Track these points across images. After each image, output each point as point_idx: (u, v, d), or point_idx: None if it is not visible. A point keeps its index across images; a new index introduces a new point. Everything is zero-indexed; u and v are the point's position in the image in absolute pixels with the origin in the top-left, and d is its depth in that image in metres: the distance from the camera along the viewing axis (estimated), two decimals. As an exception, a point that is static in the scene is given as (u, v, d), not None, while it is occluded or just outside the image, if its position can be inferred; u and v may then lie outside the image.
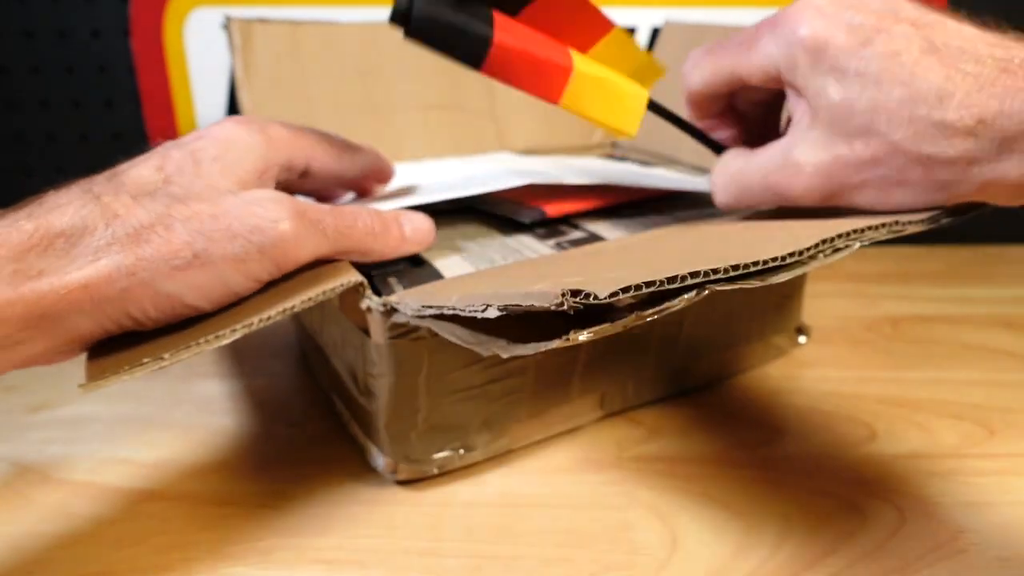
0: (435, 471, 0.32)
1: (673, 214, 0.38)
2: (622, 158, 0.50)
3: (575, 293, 0.20)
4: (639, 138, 0.50)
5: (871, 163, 0.25)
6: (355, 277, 0.28)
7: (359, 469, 0.33)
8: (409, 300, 0.27)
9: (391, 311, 0.28)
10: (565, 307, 0.20)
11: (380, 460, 0.32)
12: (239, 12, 0.55)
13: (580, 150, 0.53)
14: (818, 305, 0.49)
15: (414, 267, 0.31)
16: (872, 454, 0.34)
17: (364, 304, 0.28)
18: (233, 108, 0.59)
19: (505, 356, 0.23)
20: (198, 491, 0.32)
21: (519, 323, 0.23)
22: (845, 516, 0.30)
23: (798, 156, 0.27)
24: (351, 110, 0.47)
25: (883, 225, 0.25)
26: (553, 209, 0.36)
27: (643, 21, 0.57)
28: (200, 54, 0.58)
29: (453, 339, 0.24)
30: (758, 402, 0.39)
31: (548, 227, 0.36)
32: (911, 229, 0.25)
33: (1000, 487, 0.32)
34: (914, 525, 0.30)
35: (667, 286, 0.21)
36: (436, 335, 0.29)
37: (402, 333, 0.28)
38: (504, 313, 0.22)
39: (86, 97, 0.59)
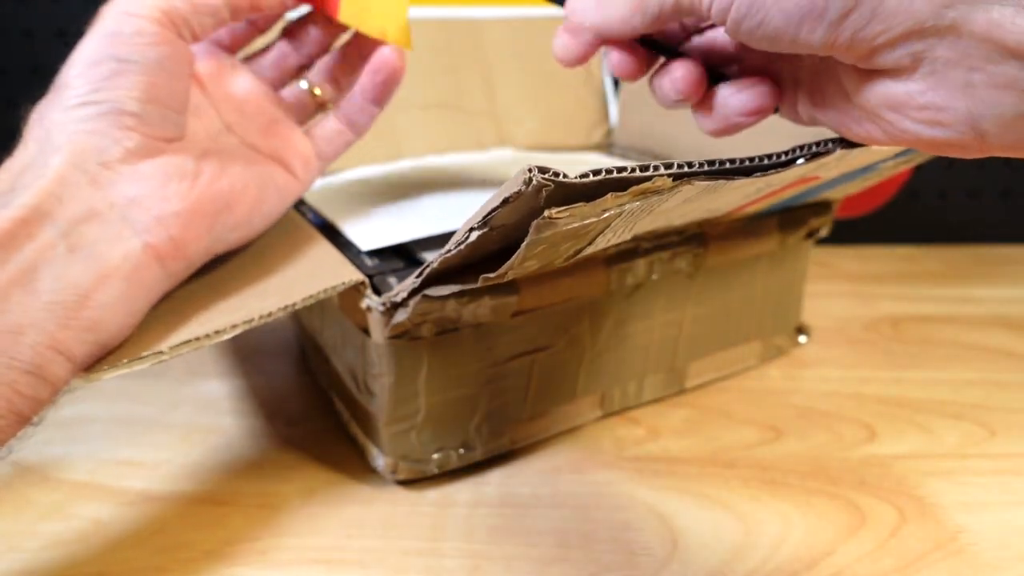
0: (435, 471, 0.32)
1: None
2: (622, 157, 0.50)
3: (543, 170, 0.20)
4: (638, 136, 0.51)
5: None
6: (356, 276, 0.28)
7: (359, 469, 0.33)
8: (404, 284, 0.27)
9: (391, 311, 0.28)
10: (535, 183, 0.20)
11: (380, 460, 0.32)
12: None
13: (580, 150, 0.53)
14: (818, 305, 0.49)
15: (414, 267, 0.31)
16: (872, 454, 0.34)
17: (364, 304, 0.28)
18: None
19: (494, 275, 0.23)
20: (198, 491, 0.32)
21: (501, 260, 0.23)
22: (845, 516, 0.30)
23: None
24: (351, 110, 0.47)
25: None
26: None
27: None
28: (200, 54, 0.58)
29: (446, 292, 0.25)
30: (758, 402, 0.39)
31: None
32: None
33: (1000, 487, 0.32)
34: (914, 525, 0.30)
35: (640, 174, 0.21)
36: (436, 335, 0.29)
37: (402, 333, 0.28)
38: (486, 229, 0.22)
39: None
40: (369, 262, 0.32)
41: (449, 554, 0.29)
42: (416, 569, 0.28)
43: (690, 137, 0.45)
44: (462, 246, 0.24)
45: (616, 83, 0.53)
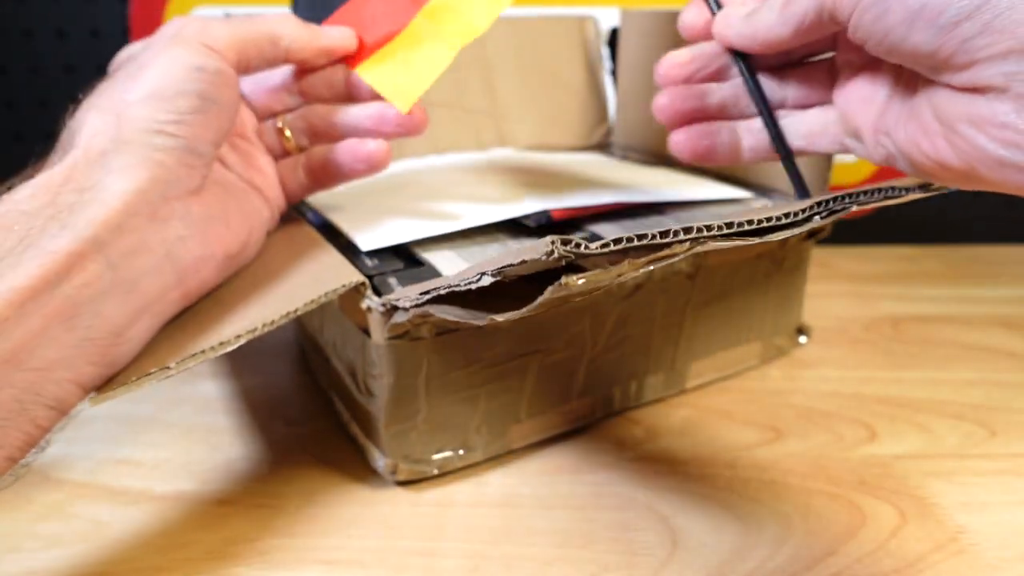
0: (435, 471, 0.32)
1: (674, 215, 0.38)
2: (622, 158, 0.50)
3: (565, 243, 0.20)
4: (638, 136, 0.51)
5: None
6: (356, 278, 0.28)
7: (359, 469, 0.33)
8: (408, 292, 0.27)
9: (391, 311, 0.28)
10: (556, 255, 0.20)
11: (380, 460, 0.32)
12: (240, 12, 0.55)
13: (579, 149, 0.53)
14: (818, 305, 0.49)
15: (414, 267, 0.31)
16: (872, 454, 0.34)
17: (364, 304, 0.28)
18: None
19: (500, 320, 0.22)
20: (198, 491, 0.32)
21: (512, 299, 0.23)
22: (845, 516, 0.30)
23: None
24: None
25: (879, 190, 0.25)
26: (558, 212, 0.36)
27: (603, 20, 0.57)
28: (200, 54, 0.58)
29: (451, 317, 0.24)
30: (758, 402, 0.39)
31: (549, 228, 0.36)
32: (908, 197, 0.25)
33: (1000, 487, 0.32)
34: (914, 525, 0.30)
35: (659, 240, 0.21)
36: (436, 335, 0.29)
37: (402, 333, 0.28)
38: (498, 279, 0.22)
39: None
40: (369, 262, 0.32)
41: (449, 554, 0.29)
42: (416, 569, 0.28)
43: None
44: (471, 286, 0.23)
45: (615, 77, 0.53)
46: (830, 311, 0.49)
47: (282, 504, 0.31)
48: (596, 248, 0.20)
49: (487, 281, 0.23)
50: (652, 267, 0.21)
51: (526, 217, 0.35)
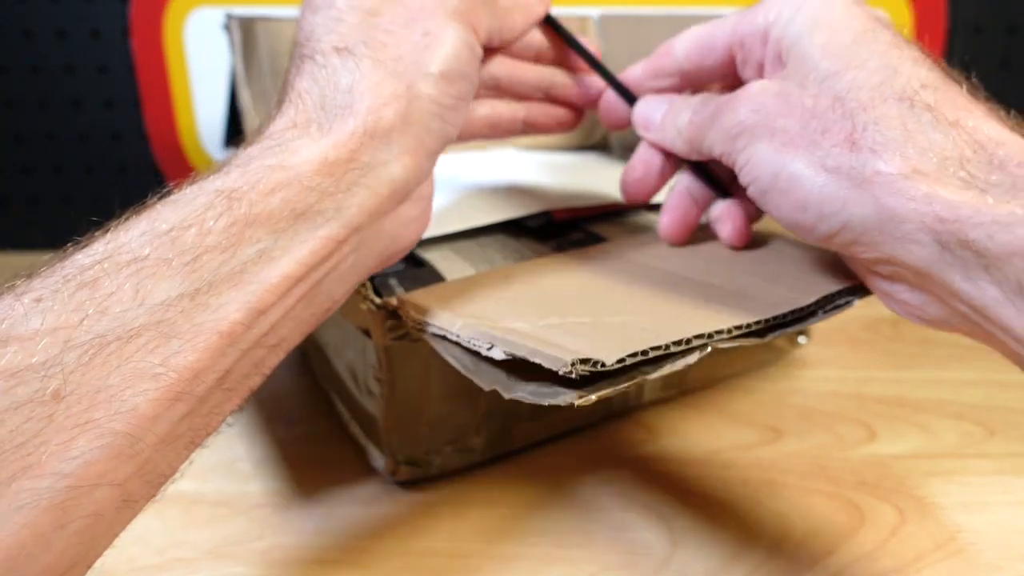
0: (435, 472, 0.32)
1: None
2: (622, 158, 0.50)
3: (584, 360, 0.21)
4: (633, 135, 0.50)
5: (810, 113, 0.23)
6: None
7: (359, 469, 0.33)
8: (412, 311, 0.27)
9: (391, 312, 0.28)
10: (574, 375, 0.21)
11: (380, 460, 0.32)
12: (240, 11, 0.55)
13: (580, 149, 0.53)
14: (818, 305, 0.49)
15: (414, 268, 0.31)
16: (872, 454, 0.34)
17: (364, 305, 0.28)
18: (233, 108, 0.59)
19: (506, 396, 0.22)
20: (198, 491, 0.32)
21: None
22: (845, 516, 0.30)
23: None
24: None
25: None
26: (559, 212, 0.36)
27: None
28: (200, 54, 0.58)
29: (453, 362, 0.24)
30: (758, 402, 0.39)
31: (549, 228, 0.36)
32: None
33: (1000, 487, 0.32)
34: (914, 525, 0.30)
35: (673, 349, 0.22)
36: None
37: (402, 334, 0.28)
38: (508, 359, 0.23)
39: (86, 97, 0.59)
40: (369, 262, 0.32)
41: (449, 554, 0.29)
42: (416, 569, 0.28)
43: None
44: (479, 351, 0.23)
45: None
46: (830, 311, 0.49)
47: (282, 504, 0.31)
48: (613, 364, 0.21)
49: (498, 355, 0.23)
50: (665, 371, 0.22)
51: (526, 217, 0.35)
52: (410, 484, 0.32)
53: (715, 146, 0.25)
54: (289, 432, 0.36)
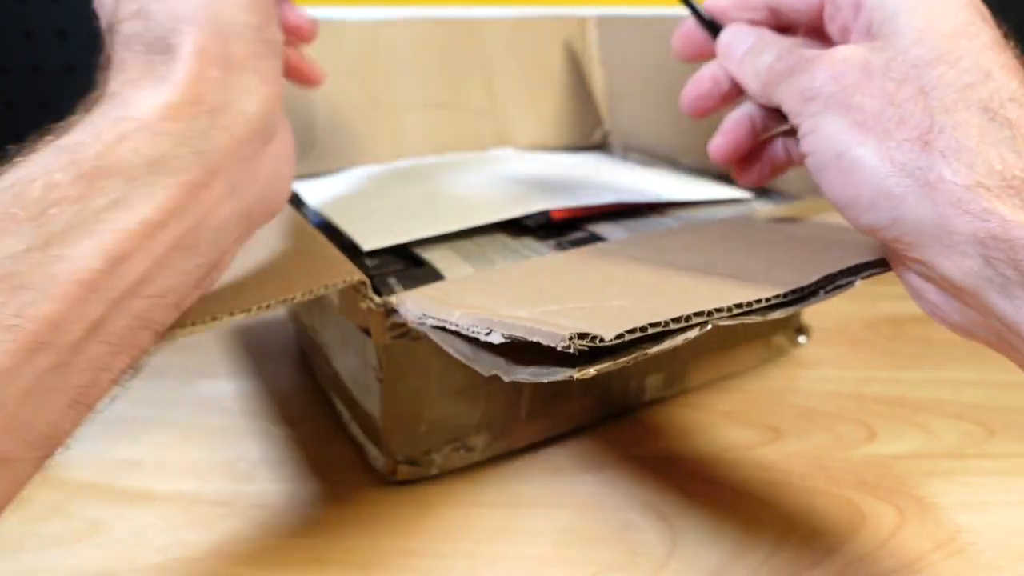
0: (435, 471, 0.32)
1: (675, 215, 0.38)
2: (622, 158, 0.50)
3: (582, 335, 0.20)
4: (639, 136, 0.51)
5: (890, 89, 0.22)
6: (356, 275, 0.28)
7: (359, 469, 0.33)
8: (411, 305, 0.27)
9: (391, 311, 0.28)
10: (572, 349, 0.20)
11: (380, 460, 0.32)
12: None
13: (579, 149, 0.53)
14: (818, 305, 0.49)
15: (414, 267, 0.31)
16: (872, 454, 0.34)
17: (364, 304, 0.28)
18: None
19: (506, 379, 0.22)
20: (198, 491, 0.32)
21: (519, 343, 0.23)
22: (845, 516, 0.30)
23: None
24: (351, 109, 0.47)
25: (883, 262, 0.25)
26: (558, 212, 0.36)
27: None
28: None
29: (453, 352, 0.24)
30: (758, 402, 0.39)
31: (549, 228, 0.36)
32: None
33: (1000, 487, 0.32)
34: (914, 525, 0.30)
35: (672, 326, 0.21)
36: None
37: (402, 334, 0.28)
38: (507, 340, 0.22)
39: (86, 97, 0.59)
40: (369, 262, 0.32)
41: (449, 554, 0.29)
42: (416, 569, 0.28)
43: (680, 136, 0.45)
44: (479, 337, 0.23)
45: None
46: (830, 311, 0.49)
47: (282, 504, 0.31)
48: (612, 340, 0.20)
49: (496, 339, 0.22)
50: (665, 346, 0.22)
51: (526, 217, 0.35)
52: (410, 484, 0.32)
53: (785, 101, 0.24)
54: (289, 432, 0.36)
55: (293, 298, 0.25)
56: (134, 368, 0.21)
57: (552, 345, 0.21)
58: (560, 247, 0.33)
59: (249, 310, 0.24)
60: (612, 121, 0.53)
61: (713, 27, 0.29)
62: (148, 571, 0.28)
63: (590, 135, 0.53)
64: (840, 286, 0.24)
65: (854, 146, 0.21)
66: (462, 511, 0.31)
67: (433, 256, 0.32)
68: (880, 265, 0.25)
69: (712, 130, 0.31)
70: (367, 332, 0.29)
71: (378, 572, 0.28)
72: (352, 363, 0.33)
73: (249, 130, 0.23)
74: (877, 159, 0.21)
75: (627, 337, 0.21)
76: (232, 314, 0.24)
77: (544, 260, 0.31)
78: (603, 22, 0.50)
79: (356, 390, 0.33)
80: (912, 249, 0.21)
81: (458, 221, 0.34)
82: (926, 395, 0.39)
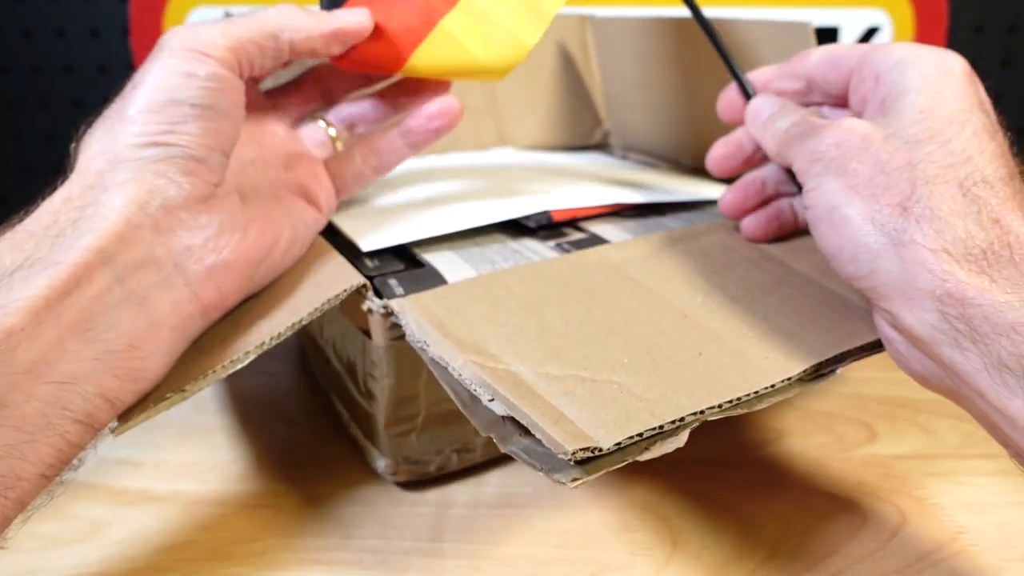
0: (435, 473, 0.32)
1: (676, 215, 0.38)
2: (622, 158, 0.50)
3: (584, 448, 0.21)
4: (640, 137, 0.51)
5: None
6: (357, 280, 0.28)
7: (359, 470, 0.33)
8: (411, 323, 0.27)
9: (391, 313, 0.28)
10: (571, 462, 0.21)
11: (380, 461, 0.32)
12: (239, 11, 0.55)
13: (579, 149, 0.53)
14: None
15: (414, 268, 0.31)
16: (872, 454, 0.34)
17: (365, 306, 0.28)
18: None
19: (503, 449, 0.23)
20: (197, 491, 0.32)
21: None
22: (845, 516, 0.30)
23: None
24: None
25: (873, 344, 0.26)
26: (558, 212, 0.36)
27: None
28: (200, 54, 0.58)
29: (451, 395, 0.24)
30: (758, 402, 0.39)
31: (549, 228, 0.36)
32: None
33: (1001, 487, 0.32)
34: (914, 525, 0.30)
35: (668, 428, 0.23)
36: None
37: (402, 335, 0.28)
38: (506, 415, 0.23)
39: (86, 97, 0.59)
40: (369, 263, 0.32)
41: (449, 554, 0.29)
42: (416, 569, 0.28)
43: (679, 137, 0.45)
44: (480, 398, 0.24)
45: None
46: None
47: (282, 504, 0.31)
48: (610, 449, 0.21)
49: (499, 408, 0.23)
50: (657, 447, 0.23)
51: (526, 217, 0.35)
52: (410, 484, 0.32)
53: (796, 161, 0.27)
54: (289, 432, 0.36)
55: (301, 321, 0.26)
56: (70, 464, 0.22)
57: (554, 452, 0.21)
58: (560, 247, 0.33)
59: (263, 344, 0.25)
60: (611, 121, 0.53)
61: (748, 93, 0.32)
62: (148, 571, 0.28)
63: (590, 135, 0.53)
64: (822, 375, 0.26)
65: (844, 205, 0.24)
66: (462, 511, 0.31)
67: (433, 257, 0.32)
68: (876, 348, 0.26)
69: (711, 131, 0.31)
70: (367, 333, 0.29)
71: (378, 572, 0.28)
72: (352, 364, 0.33)
73: (123, 219, 0.24)
74: (861, 218, 0.24)
75: (624, 443, 0.22)
76: (248, 353, 0.25)
77: (547, 271, 0.31)
78: (599, 22, 0.50)
79: (356, 391, 0.33)
80: (883, 300, 0.24)
81: (458, 221, 0.34)
82: (926, 395, 0.39)
